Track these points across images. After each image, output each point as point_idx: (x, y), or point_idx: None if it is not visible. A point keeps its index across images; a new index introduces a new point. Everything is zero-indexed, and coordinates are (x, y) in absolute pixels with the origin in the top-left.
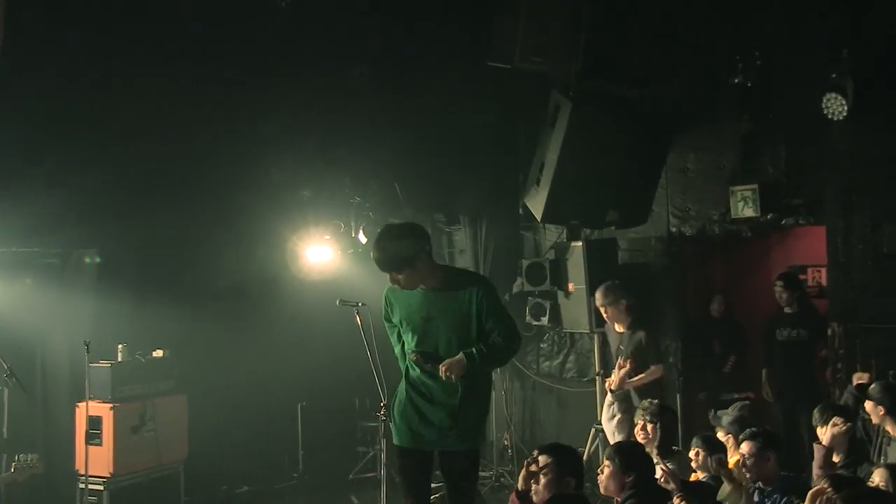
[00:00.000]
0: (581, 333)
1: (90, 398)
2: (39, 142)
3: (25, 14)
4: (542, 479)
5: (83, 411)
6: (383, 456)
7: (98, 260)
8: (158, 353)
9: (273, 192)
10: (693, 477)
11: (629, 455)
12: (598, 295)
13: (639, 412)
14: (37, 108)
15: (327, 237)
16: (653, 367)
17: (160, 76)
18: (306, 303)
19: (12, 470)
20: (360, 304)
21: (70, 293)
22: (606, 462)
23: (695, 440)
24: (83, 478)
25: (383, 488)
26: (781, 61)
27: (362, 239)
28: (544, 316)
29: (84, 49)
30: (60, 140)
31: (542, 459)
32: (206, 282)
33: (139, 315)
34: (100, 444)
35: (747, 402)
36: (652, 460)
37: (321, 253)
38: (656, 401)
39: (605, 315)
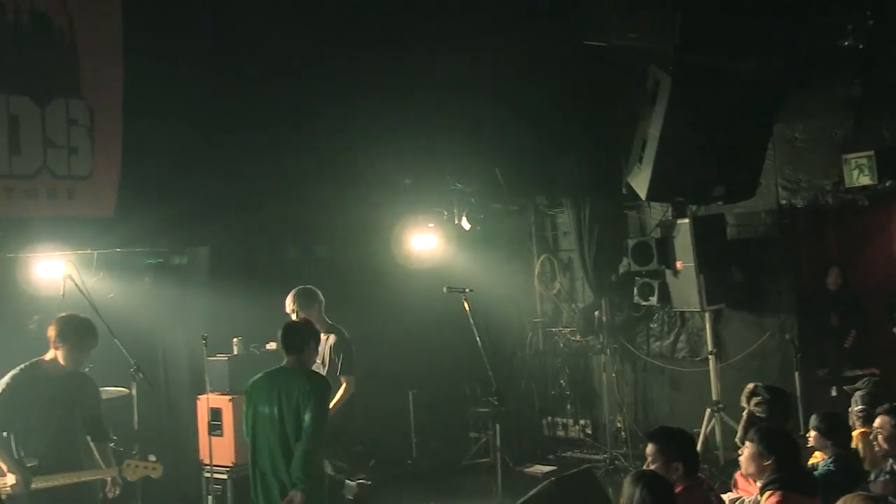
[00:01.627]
0: (692, 312)
1: (210, 391)
2: (159, 146)
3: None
4: (652, 468)
5: (204, 403)
6: (497, 441)
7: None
8: (272, 346)
9: (376, 181)
10: (813, 458)
11: (771, 437)
12: (288, 301)
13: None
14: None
15: (431, 225)
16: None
17: (269, 76)
18: (413, 291)
19: (124, 467)
20: (467, 290)
21: (186, 290)
22: (748, 442)
23: (813, 419)
24: (207, 467)
25: (498, 473)
26: (894, 20)
27: (465, 225)
28: (653, 296)
29: (199, 50)
30: (174, 142)
31: (648, 448)
32: (314, 274)
33: (252, 309)
34: (221, 435)
35: (874, 377)
36: (796, 444)
37: (425, 241)
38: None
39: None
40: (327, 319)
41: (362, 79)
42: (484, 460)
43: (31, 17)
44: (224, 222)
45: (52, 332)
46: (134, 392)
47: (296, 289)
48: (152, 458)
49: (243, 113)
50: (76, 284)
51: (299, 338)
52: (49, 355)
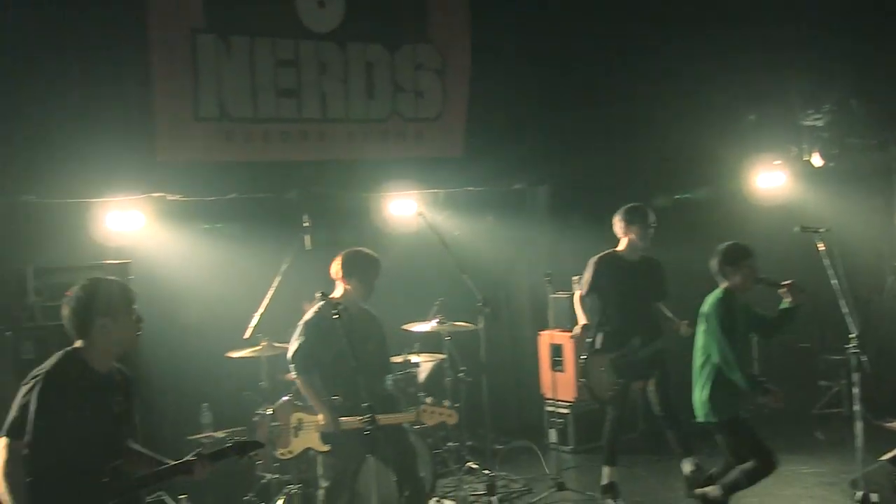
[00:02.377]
0: None
1: (552, 327)
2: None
3: None
4: None
5: (546, 340)
6: (856, 391)
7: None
8: None
9: (720, 117)
10: None
11: None
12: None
13: None
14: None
15: (777, 162)
16: None
17: (617, 15)
18: (759, 230)
19: (420, 412)
20: (822, 230)
21: (527, 228)
22: None
23: None
24: (549, 402)
25: (857, 426)
26: None
27: (817, 162)
28: None
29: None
30: (520, 83)
31: None
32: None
33: (591, 248)
34: (563, 371)
35: None
36: None
37: (772, 179)
38: None
39: None
40: None
41: (710, 15)
42: (836, 410)
43: None
44: (567, 161)
45: (337, 267)
46: (481, 326)
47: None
48: (446, 402)
49: (589, 55)
50: (427, 222)
51: None
52: (338, 292)
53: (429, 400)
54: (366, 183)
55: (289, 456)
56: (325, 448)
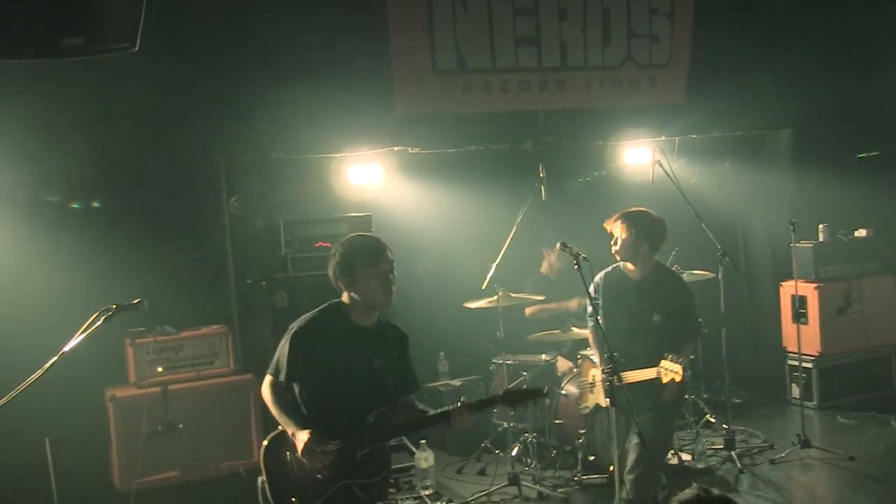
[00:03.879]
0: None
1: (795, 278)
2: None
3: None
4: None
5: (787, 290)
6: None
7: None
8: (861, 233)
9: None
10: None
11: None
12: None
13: None
14: None
15: None
16: None
17: None
18: None
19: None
20: None
21: (767, 173)
22: None
23: None
24: (791, 355)
25: None
26: None
27: None
28: None
29: None
30: (744, 23)
31: None
32: None
33: (838, 193)
34: (806, 324)
35: None
36: None
37: None
38: None
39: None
40: None
41: None
42: None
43: None
44: (808, 102)
45: (621, 228)
46: (720, 276)
47: None
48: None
49: None
50: (665, 170)
51: None
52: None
53: (669, 357)
54: (601, 132)
55: (586, 411)
56: (605, 403)
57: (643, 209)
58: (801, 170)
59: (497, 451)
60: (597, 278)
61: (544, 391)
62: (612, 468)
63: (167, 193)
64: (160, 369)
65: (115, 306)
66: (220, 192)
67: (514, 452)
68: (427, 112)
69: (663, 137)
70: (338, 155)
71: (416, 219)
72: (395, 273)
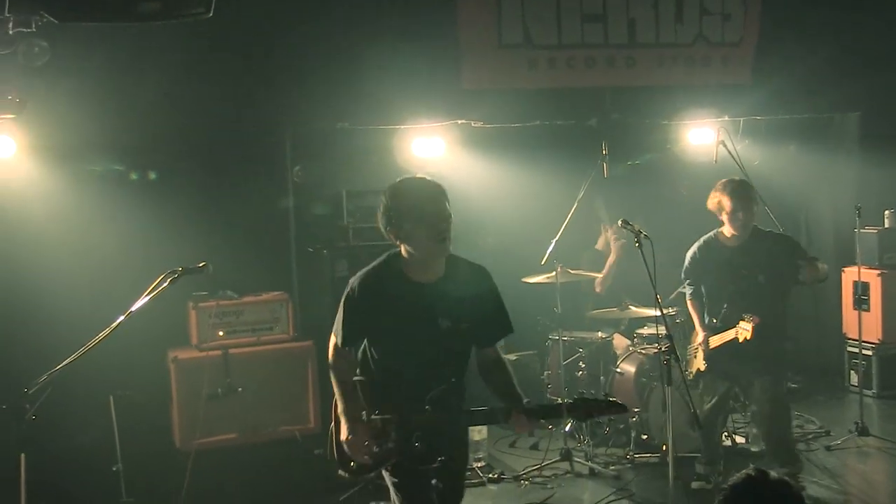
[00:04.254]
0: None
1: (858, 264)
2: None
3: None
4: None
5: (849, 276)
6: None
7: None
8: None
9: None
10: None
11: None
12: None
13: None
14: None
15: None
16: None
17: None
18: None
19: (738, 327)
20: None
21: (833, 157)
22: None
23: None
24: (851, 342)
25: None
26: None
27: None
28: None
29: None
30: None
31: None
32: None
33: None
34: (868, 310)
35: None
36: None
37: None
38: None
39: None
40: None
41: None
42: None
43: None
44: (877, 84)
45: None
46: None
47: None
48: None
49: None
50: (728, 150)
51: None
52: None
53: (746, 317)
54: (666, 110)
55: (691, 376)
56: (703, 366)
57: (736, 178)
58: (869, 154)
59: (550, 427)
60: (691, 252)
61: (622, 405)
62: (665, 447)
63: (234, 160)
64: (221, 333)
65: (180, 269)
66: (285, 160)
67: (567, 428)
68: (492, 86)
69: (727, 118)
70: (402, 126)
71: (477, 193)
72: (451, 222)
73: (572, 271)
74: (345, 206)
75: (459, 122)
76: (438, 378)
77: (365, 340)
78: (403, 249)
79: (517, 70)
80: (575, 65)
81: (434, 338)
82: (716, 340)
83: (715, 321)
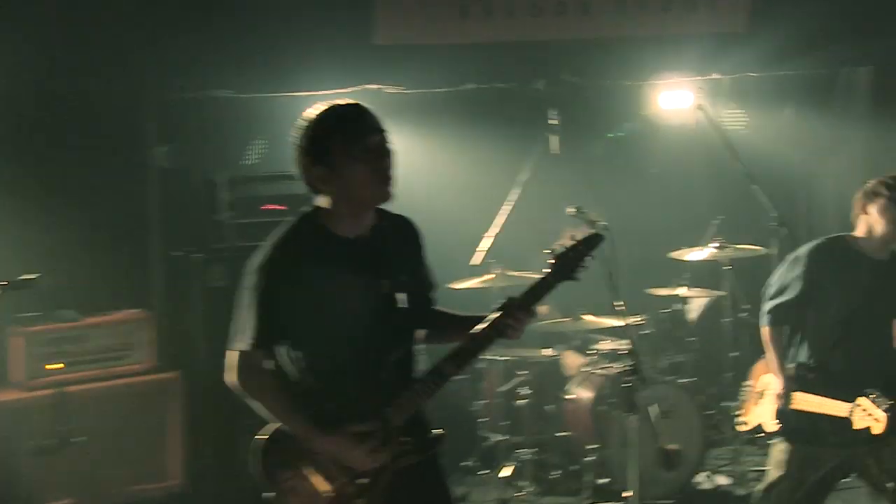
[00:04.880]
0: None
1: None
2: None
3: None
4: None
5: None
6: None
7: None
8: None
9: None
10: None
11: None
12: None
13: None
14: None
15: None
16: None
17: None
18: None
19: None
20: None
21: (840, 121)
22: None
23: None
24: None
25: None
26: None
27: None
28: None
29: None
30: None
31: None
32: None
33: None
34: None
35: None
36: None
37: None
38: None
39: None
40: None
41: None
42: None
43: None
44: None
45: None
46: (775, 251)
47: None
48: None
49: None
50: (708, 118)
51: None
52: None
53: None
54: (633, 68)
55: (744, 428)
56: (775, 427)
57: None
58: (883, 117)
59: (483, 473)
60: (802, 251)
61: (598, 234)
62: (628, 495)
63: (76, 140)
64: (56, 366)
65: (3, 283)
66: (144, 139)
67: (505, 473)
68: (412, 41)
69: (714, 75)
70: (298, 94)
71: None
72: (392, 156)
73: (514, 274)
74: (223, 196)
75: (371, 87)
76: (387, 364)
77: (284, 346)
78: (327, 200)
79: (445, 19)
80: (517, 13)
81: (378, 306)
82: (807, 404)
83: (811, 367)
